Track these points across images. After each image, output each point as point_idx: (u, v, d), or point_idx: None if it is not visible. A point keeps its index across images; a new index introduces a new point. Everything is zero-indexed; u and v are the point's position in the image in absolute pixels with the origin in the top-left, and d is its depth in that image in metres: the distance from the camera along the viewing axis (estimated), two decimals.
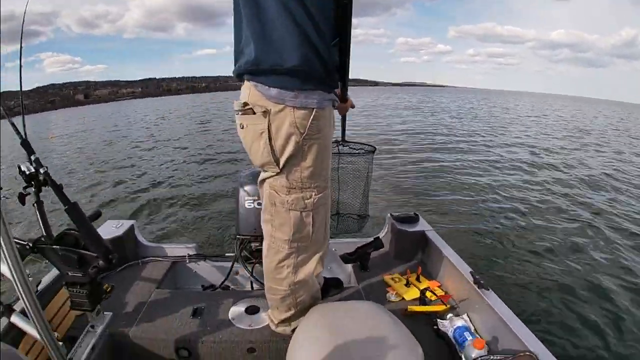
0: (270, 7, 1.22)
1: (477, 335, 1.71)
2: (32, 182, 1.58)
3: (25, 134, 1.64)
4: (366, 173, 2.38)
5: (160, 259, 2.52)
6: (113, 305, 1.99)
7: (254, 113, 1.36)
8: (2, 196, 1.20)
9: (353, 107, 1.90)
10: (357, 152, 2.36)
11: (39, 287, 1.84)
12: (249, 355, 1.80)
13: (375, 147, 2.40)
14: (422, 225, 2.55)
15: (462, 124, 19.73)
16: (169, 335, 1.80)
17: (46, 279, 1.92)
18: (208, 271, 2.57)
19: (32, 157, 1.57)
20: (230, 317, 1.92)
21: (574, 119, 27.65)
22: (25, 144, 1.61)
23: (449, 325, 1.80)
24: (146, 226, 5.42)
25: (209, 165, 9.71)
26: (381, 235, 2.65)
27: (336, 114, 1.73)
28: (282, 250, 1.56)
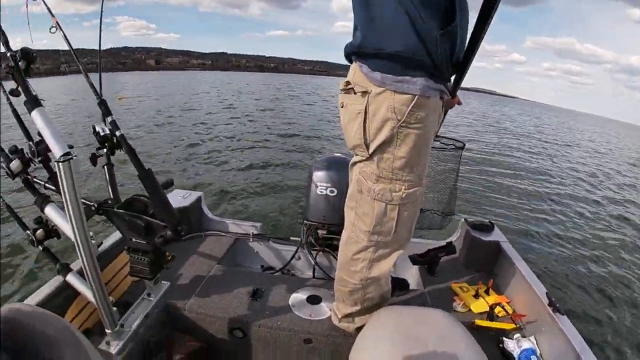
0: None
1: None
2: (106, 144, 1.55)
3: (101, 94, 1.63)
4: (456, 169, 2.29)
5: (224, 234, 2.51)
6: (171, 275, 1.99)
7: (355, 93, 1.33)
8: (73, 155, 1.15)
9: (460, 103, 1.77)
10: (446, 147, 2.25)
11: (100, 249, 1.84)
12: (304, 346, 1.74)
13: (464, 144, 2.29)
14: (497, 235, 2.39)
15: (543, 139, 18.99)
16: (226, 314, 1.77)
17: (107, 242, 1.91)
18: (270, 253, 2.55)
19: (109, 119, 1.54)
20: (290, 304, 1.87)
21: None
22: (103, 104, 1.59)
23: (515, 346, 1.69)
24: (214, 199, 5.47)
25: (283, 146, 9.72)
26: (453, 240, 2.52)
27: None
28: (360, 241, 1.49)
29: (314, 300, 1.91)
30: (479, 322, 1.82)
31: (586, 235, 5.39)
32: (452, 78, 1.51)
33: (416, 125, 1.29)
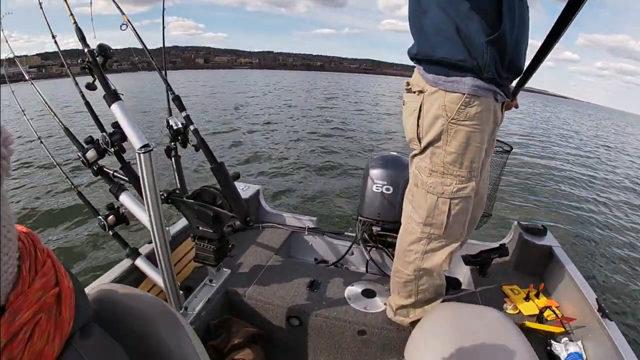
0: (429, 3, 1.32)
1: None
2: (179, 138, 1.64)
3: (172, 90, 1.69)
4: (499, 172, 2.27)
5: (280, 226, 2.58)
6: (231, 263, 2.07)
7: (413, 92, 1.44)
8: (153, 147, 1.23)
9: (517, 107, 1.79)
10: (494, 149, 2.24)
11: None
12: (358, 337, 1.78)
13: (511, 147, 2.28)
14: (550, 239, 2.37)
15: (596, 142, 18.21)
16: (284, 302, 1.83)
17: (172, 229, 2.00)
18: (324, 246, 2.59)
19: (183, 114, 1.61)
20: (346, 296, 1.91)
21: None
22: (177, 99, 1.66)
23: (562, 349, 1.69)
24: (271, 192, 5.57)
25: (340, 141, 9.80)
26: (505, 242, 2.49)
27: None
28: (414, 232, 1.56)
29: (369, 294, 1.95)
30: (528, 323, 1.83)
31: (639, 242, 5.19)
32: (515, 81, 1.54)
33: (466, 123, 1.35)
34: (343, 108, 18.35)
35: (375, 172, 2.24)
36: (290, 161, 7.53)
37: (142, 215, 1.49)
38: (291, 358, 1.89)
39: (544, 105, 55.97)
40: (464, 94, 1.32)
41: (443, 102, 1.34)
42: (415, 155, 1.51)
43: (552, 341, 1.74)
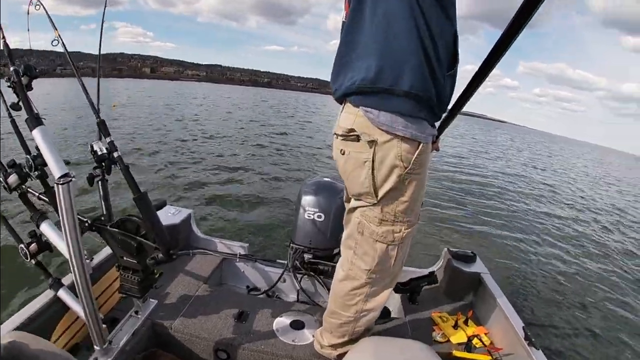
0: (401, 22, 1.15)
1: None
2: (103, 164, 1.59)
3: (98, 113, 1.66)
4: None
5: (211, 253, 2.50)
6: (159, 293, 2.01)
7: (359, 140, 1.31)
8: (72, 176, 1.19)
9: (438, 149, 1.76)
10: None
11: (92, 265, 1.85)
12: None
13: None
14: (479, 266, 2.40)
15: (529, 168, 18.96)
16: (211, 335, 1.78)
17: (97, 257, 1.92)
18: (256, 274, 2.55)
19: (107, 140, 1.58)
20: (274, 328, 1.89)
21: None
22: (102, 124, 1.62)
23: None
24: (202, 216, 5.45)
25: (275, 166, 9.60)
26: (435, 269, 2.52)
27: None
28: (359, 279, 1.52)
29: (297, 325, 1.92)
30: (456, 353, 1.85)
31: (570, 269, 5.42)
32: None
33: (418, 171, 1.32)
34: (282, 127, 18.36)
35: (307, 199, 2.25)
36: (225, 183, 7.41)
37: (62, 245, 1.43)
38: None
39: (482, 129, 58.30)
40: (420, 142, 1.27)
41: (399, 152, 1.26)
42: (360, 206, 1.44)
43: None
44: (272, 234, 4.98)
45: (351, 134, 1.32)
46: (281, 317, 1.97)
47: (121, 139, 10.78)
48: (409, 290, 2.29)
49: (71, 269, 1.29)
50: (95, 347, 1.47)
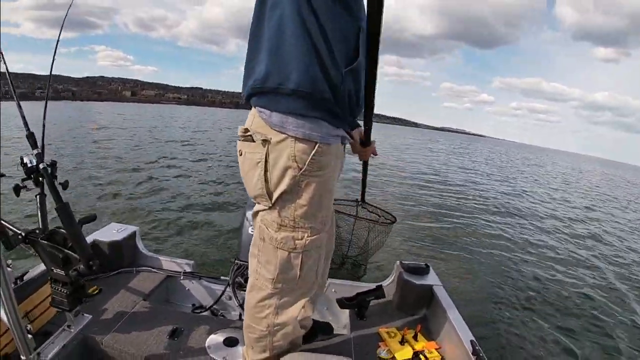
0: (290, 25, 1.15)
1: None
2: (32, 176, 1.58)
3: (28, 127, 1.66)
4: (379, 239, 2.31)
5: (155, 270, 2.49)
6: (95, 308, 1.98)
7: (254, 141, 1.30)
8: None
9: (375, 154, 1.77)
10: (375, 219, 2.29)
11: (25, 277, 1.84)
12: None
13: (395, 218, 2.31)
14: (432, 278, 2.37)
15: (497, 176, 19.15)
16: (140, 351, 1.75)
17: (33, 271, 1.91)
18: (201, 291, 2.52)
19: (34, 152, 1.58)
20: (206, 345, 1.86)
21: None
22: (31, 137, 1.63)
23: None
24: (150, 233, 5.40)
25: (223, 185, 9.45)
26: (386, 283, 2.49)
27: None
28: (265, 288, 1.46)
29: (230, 342, 1.88)
30: None
31: (536, 278, 5.35)
32: (362, 125, 1.57)
33: (317, 173, 1.27)
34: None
35: (251, 213, 2.25)
36: (177, 200, 7.39)
37: None
38: None
39: (460, 143, 58.62)
40: (316, 142, 1.23)
41: (293, 153, 1.23)
42: (260, 210, 1.41)
43: None
44: (220, 250, 4.93)
45: (246, 134, 1.32)
46: (216, 334, 1.94)
47: (92, 158, 10.98)
48: (356, 306, 2.25)
49: None
50: (22, 357, 1.45)
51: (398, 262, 2.46)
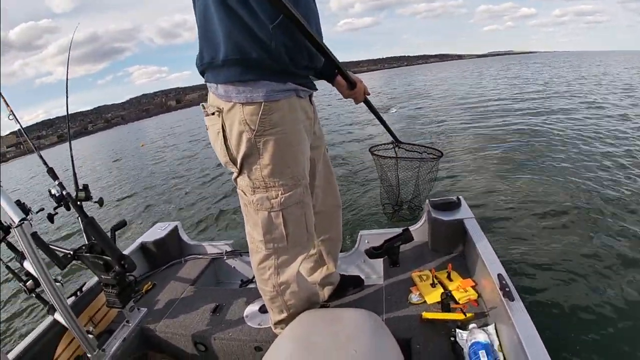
0: (213, 3, 1.18)
1: (501, 354, 1.45)
2: (61, 203, 1.81)
3: (46, 163, 1.91)
4: (429, 177, 2.18)
5: (200, 256, 2.68)
6: (150, 301, 2.22)
7: (214, 114, 1.34)
8: (26, 219, 1.39)
9: (368, 94, 1.74)
10: (418, 156, 2.17)
11: (84, 288, 2.09)
12: (257, 354, 1.86)
13: (441, 152, 2.14)
14: (463, 212, 2.23)
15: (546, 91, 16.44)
16: (188, 331, 1.94)
17: (90, 282, 2.15)
18: (245, 267, 2.68)
19: (56, 182, 1.82)
20: (244, 315, 2.00)
21: None
22: (51, 171, 1.87)
23: (468, 338, 1.51)
24: (195, 225, 5.80)
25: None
26: (417, 225, 2.42)
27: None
28: (260, 250, 1.53)
29: (264, 309, 1.94)
30: (426, 314, 1.72)
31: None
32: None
33: (272, 131, 1.30)
34: None
35: None
36: (213, 192, 7.82)
37: (40, 279, 1.65)
38: None
39: (506, 66, 52.41)
40: (261, 102, 1.26)
41: (242, 117, 1.27)
42: (235, 177, 1.45)
43: (458, 330, 1.58)
44: None
45: (206, 109, 1.37)
46: (252, 304, 2.08)
47: (145, 173, 11.84)
48: (384, 254, 2.23)
49: (48, 294, 1.53)
50: (88, 355, 1.70)
51: (427, 200, 2.34)
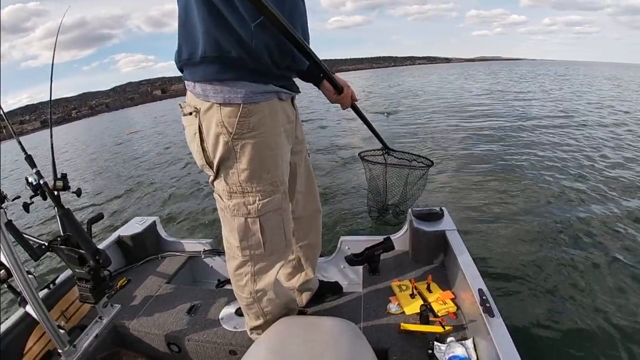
0: None
1: None
2: (38, 192, 1.75)
3: (24, 149, 1.82)
4: (419, 184, 2.22)
5: (178, 253, 2.63)
6: (124, 297, 2.17)
7: (190, 114, 1.29)
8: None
9: (356, 99, 1.67)
10: (407, 165, 2.21)
11: (57, 281, 2.04)
12: (231, 357, 1.82)
13: (431, 162, 2.18)
14: (446, 223, 2.20)
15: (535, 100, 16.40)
16: (161, 330, 1.90)
17: (64, 275, 2.10)
18: (223, 266, 2.63)
19: (34, 170, 1.75)
20: (220, 317, 1.97)
21: None
22: (29, 158, 1.80)
23: (446, 351, 1.51)
24: (172, 222, 5.68)
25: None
26: (399, 234, 2.38)
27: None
28: (236, 257, 1.49)
29: (241, 312, 1.89)
30: (404, 325, 1.70)
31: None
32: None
33: (250, 134, 1.26)
34: None
35: None
36: (194, 186, 7.73)
37: (12, 270, 1.61)
38: None
39: (492, 72, 52.27)
40: (239, 104, 1.22)
41: (220, 118, 1.22)
42: (212, 180, 1.40)
43: (436, 343, 1.58)
44: None
45: (183, 108, 1.33)
46: (228, 305, 2.05)
47: (128, 159, 11.71)
48: (365, 261, 2.21)
49: (19, 286, 1.48)
50: (59, 350, 1.66)
51: (410, 209, 2.33)
